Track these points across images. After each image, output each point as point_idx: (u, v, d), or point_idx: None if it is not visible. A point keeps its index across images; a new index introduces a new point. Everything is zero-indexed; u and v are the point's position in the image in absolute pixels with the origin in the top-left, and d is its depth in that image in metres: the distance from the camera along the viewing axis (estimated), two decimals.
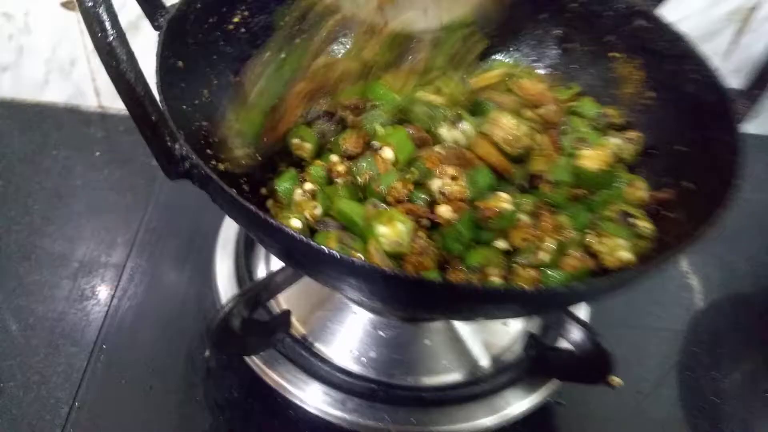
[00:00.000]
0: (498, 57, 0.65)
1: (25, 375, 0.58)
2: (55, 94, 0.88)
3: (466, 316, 0.49)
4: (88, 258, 0.69)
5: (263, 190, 0.52)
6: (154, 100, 0.35)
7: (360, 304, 0.58)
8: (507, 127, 0.53)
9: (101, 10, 0.32)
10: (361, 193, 0.50)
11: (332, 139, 0.54)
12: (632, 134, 0.56)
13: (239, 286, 0.60)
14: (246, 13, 0.55)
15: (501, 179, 0.53)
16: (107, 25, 0.32)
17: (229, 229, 0.65)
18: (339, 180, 0.51)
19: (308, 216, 0.47)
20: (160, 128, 0.36)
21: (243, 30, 0.55)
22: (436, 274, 0.45)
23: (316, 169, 0.51)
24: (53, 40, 0.82)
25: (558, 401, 0.59)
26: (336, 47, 0.59)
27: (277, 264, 0.60)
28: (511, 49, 0.64)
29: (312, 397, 0.54)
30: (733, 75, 0.49)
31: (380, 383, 0.55)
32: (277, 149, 0.54)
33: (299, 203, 0.48)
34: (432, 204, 0.49)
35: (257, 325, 0.53)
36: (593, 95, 0.60)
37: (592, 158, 0.52)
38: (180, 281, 0.67)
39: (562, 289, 0.39)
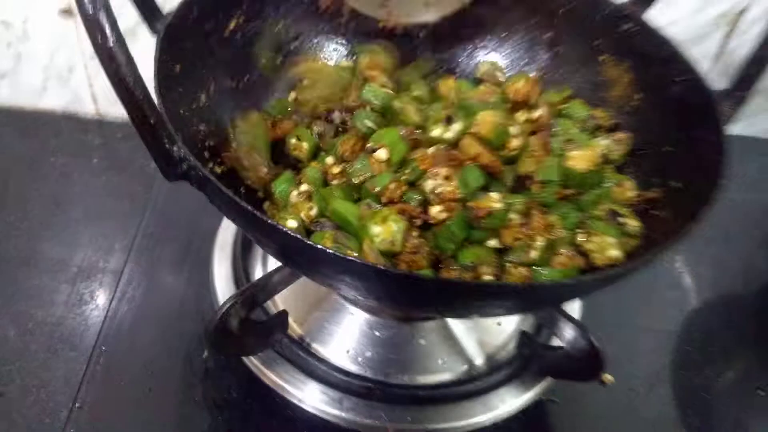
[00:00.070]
0: (489, 59, 0.66)
1: (24, 379, 0.59)
2: (53, 101, 0.89)
3: (460, 313, 0.50)
4: (86, 263, 0.70)
5: (260, 193, 0.52)
6: (153, 103, 0.36)
7: (356, 303, 0.59)
8: (495, 126, 0.54)
9: (101, 15, 0.33)
10: (356, 193, 0.51)
11: (329, 141, 0.55)
12: (620, 135, 0.57)
13: (237, 287, 0.61)
14: (242, 18, 0.56)
15: (492, 179, 0.54)
16: (107, 30, 0.33)
17: (226, 232, 0.66)
18: (334, 181, 0.52)
19: (304, 217, 0.48)
20: (158, 131, 0.37)
21: (239, 35, 0.56)
22: (430, 272, 0.46)
23: (312, 170, 0.52)
24: (51, 48, 0.83)
25: (552, 399, 0.60)
26: None
27: (273, 265, 0.61)
28: (502, 52, 0.65)
29: (310, 396, 0.55)
30: (722, 77, 0.50)
31: (377, 382, 0.56)
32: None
33: (295, 204, 0.49)
34: (425, 204, 0.50)
35: (255, 325, 0.53)
36: (583, 97, 0.61)
37: (580, 159, 0.53)
38: (178, 284, 0.67)
39: (550, 283, 0.40)
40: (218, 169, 0.50)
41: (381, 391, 0.55)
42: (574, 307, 0.64)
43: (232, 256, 0.64)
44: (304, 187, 0.51)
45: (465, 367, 0.59)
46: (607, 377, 0.61)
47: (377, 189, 0.49)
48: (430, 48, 0.66)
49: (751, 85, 0.48)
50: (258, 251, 0.65)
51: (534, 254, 0.48)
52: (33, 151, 0.84)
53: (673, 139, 0.53)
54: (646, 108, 0.57)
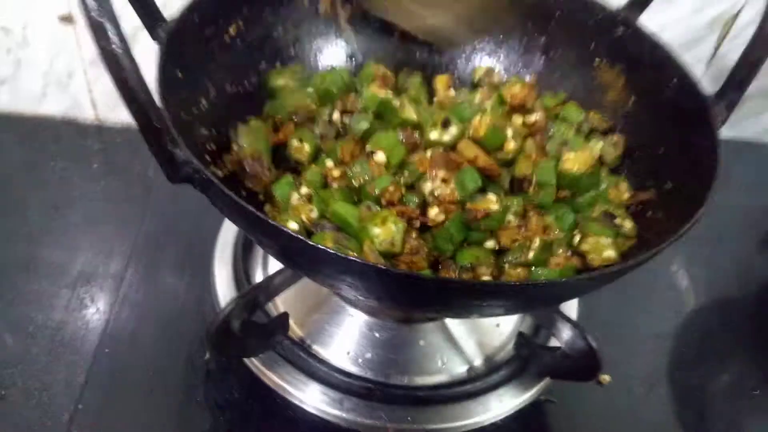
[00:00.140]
0: (485, 63, 0.67)
1: (26, 382, 0.59)
2: (53, 106, 0.89)
3: (459, 313, 0.50)
4: (86, 267, 0.70)
5: (260, 196, 0.53)
6: (157, 107, 0.37)
7: (356, 305, 0.59)
8: (492, 129, 0.55)
9: (106, 22, 0.34)
10: (356, 195, 0.52)
11: (329, 143, 0.56)
12: (615, 138, 0.58)
13: (238, 290, 0.61)
14: (241, 24, 0.57)
15: (489, 182, 0.54)
16: (112, 36, 0.34)
17: (226, 235, 0.67)
18: (334, 184, 0.52)
19: (304, 219, 0.49)
20: (162, 135, 0.37)
21: (239, 41, 0.57)
22: (429, 273, 0.47)
23: (312, 173, 0.53)
24: (51, 54, 0.83)
25: (550, 399, 0.61)
26: None
27: (274, 268, 0.62)
28: (499, 55, 0.66)
29: (311, 397, 0.55)
30: (715, 81, 0.51)
31: (377, 383, 0.56)
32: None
33: (296, 207, 0.50)
34: (423, 206, 0.51)
35: (256, 327, 0.54)
36: (577, 100, 0.62)
37: (575, 161, 0.54)
38: (179, 287, 0.68)
39: (546, 282, 0.41)
40: (219, 173, 0.51)
41: (381, 391, 0.56)
42: (571, 309, 0.64)
43: (232, 258, 0.64)
44: (304, 190, 0.51)
45: (464, 368, 0.60)
46: (605, 377, 0.62)
47: (376, 191, 0.50)
48: (428, 51, 0.66)
49: (743, 88, 0.49)
50: (258, 254, 0.66)
51: (531, 255, 0.49)
52: (33, 156, 0.84)
53: (667, 141, 0.54)
54: (640, 111, 0.58)
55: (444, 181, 0.51)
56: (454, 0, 0.64)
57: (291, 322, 0.58)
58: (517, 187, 0.55)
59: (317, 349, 0.58)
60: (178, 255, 0.71)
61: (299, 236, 0.35)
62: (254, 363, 0.56)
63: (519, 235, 0.50)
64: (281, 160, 0.56)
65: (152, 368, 0.60)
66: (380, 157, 0.52)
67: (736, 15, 0.81)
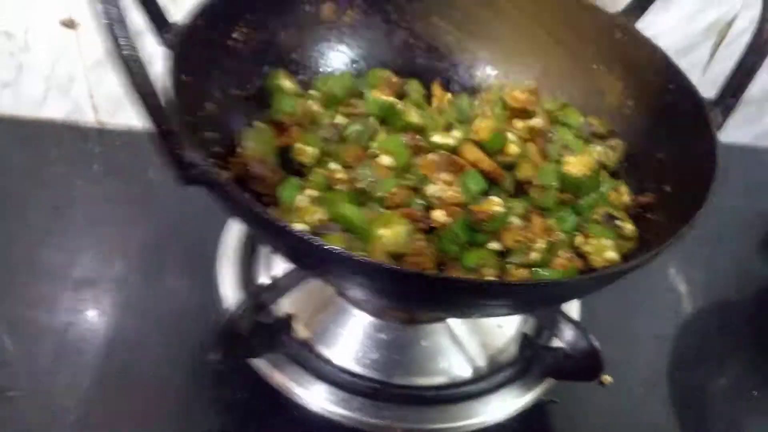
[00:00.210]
0: (488, 71, 0.68)
1: (30, 384, 0.59)
2: (54, 110, 0.89)
3: (464, 312, 0.51)
4: (89, 269, 0.70)
5: (266, 198, 0.54)
6: (168, 111, 0.38)
7: (361, 306, 0.60)
8: (493, 132, 0.56)
9: (118, 27, 0.34)
10: (361, 198, 0.52)
11: (333, 146, 0.57)
12: (614, 142, 0.59)
13: (242, 291, 0.61)
14: (246, 29, 0.58)
15: (492, 184, 0.55)
16: (123, 41, 0.34)
17: (230, 237, 0.67)
18: (339, 186, 0.53)
19: (310, 220, 0.49)
20: (172, 138, 0.38)
21: (243, 46, 0.58)
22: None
23: (318, 176, 0.54)
24: (52, 58, 0.84)
25: (552, 399, 0.61)
26: None
27: (278, 269, 0.62)
28: (499, 60, 0.67)
29: (316, 396, 0.56)
30: (712, 86, 0.52)
31: (382, 383, 0.57)
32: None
33: (302, 209, 0.50)
34: (428, 208, 0.52)
35: (263, 327, 0.54)
36: (576, 105, 0.63)
37: (576, 164, 0.55)
38: (182, 289, 0.68)
39: (550, 281, 0.42)
40: (225, 175, 0.51)
41: (386, 391, 0.57)
42: (572, 311, 0.65)
43: (236, 260, 0.65)
44: (310, 192, 0.52)
45: (468, 368, 0.60)
46: (606, 378, 0.63)
47: (382, 193, 0.51)
48: (430, 57, 0.67)
49: (739, 93, 0.50)
50: (262, 255, 0.66)
51: (534, 256, 0.50)
52: (34, 159, 0.85)
53: (666, 145, 0.55)
54: (639, 115, 0.59)
55: (448, 183, 0.52)
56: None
57: (296, 323, 0.58)
58: (519, 189, 0.56)
59: (323, 349, 0.59)
60: (181, 257, 0.71)
61: (312, 238, 0.36)
62: (261, 363, 0.57)
63: (522, 237, 0.51)
64: (285, 162, 0.57)
65: (157, 369, 0.61)
66: (385, 160, 0.53)
67: (731, 22, 0.82)
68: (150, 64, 0.37)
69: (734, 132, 0.95)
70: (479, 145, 0.57)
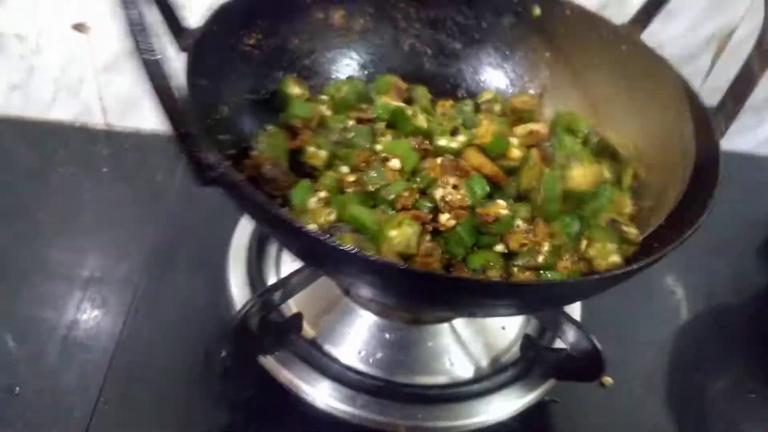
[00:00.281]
0: (494, 78, 0.69)
1: (38, 382, 0.60)
2: (63, 112, 0.90)
3: (471, 312, 0.52)
4: (98, 270, 0.71)
5: (278, 200, 0.55)
6: (190, 113, 0.39)
7: (367, 306, 0.61)
8: (495, 137, 0.58)
9: (145, 32, 0.36)
10: (371, 200, 0.54)
11: (344, 150, 0.58)
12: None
13: (252, 291, 0.63)
14: (259, 36, 0.59)
15: (496, 189, 0.57)
16: (151, 47, 0.36)
17: (240, 238, 0.68)
18: (349, 189, 0.54)
19: (322, 221, 0.51)
20: (193, 140, 0.39)
21: (257, 51, 0.59)
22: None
23: (329, 178, 0.55)
24: (63, 61, 0.85)
25: (554, 399, 0.63)
26: None
27: (287, 270, 0.64)
28: (506, 69, 0.69)
29: (323, 394, 0.57)
30: (712, 94, 0.53)
31: (387, 382, 0.58)
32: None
33: (314, 210, 0.52)
34: (435, 211, 0.53)
35: (272, 326, 0.56)
36: (582, 113, 0.65)
37: (581, 178, 0.56)
38: (190, 290, 0.69)
39: (555, 282, 0.43)
40: (239, 177, 0.53)
41: (391, 390, 0.58)
42: (574, 315, 0.66)
43: (246, 261, 0.66)
44: (321, 194, 0.53)
45: (471, 368, 0.61)
46: (607, 379, 0.64)
47: (392, 196, 0.52)
48: (437, 64, 0.69)
49: (741, 101, 0.51)
50: (271, 256, 0.68)
51: (539, 259, 0.51)
52: (43, 161, 0.86)
53: (672, 151, 0.56)
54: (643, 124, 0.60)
55: (455, 187, 0.54)
56: None
57: (304, 322, 0.60)
58: (523, 193, 0.57)
59: (329, 348, 0.60)
60: (189, 258, 0.72)
61: (328, 239, 0.37)
62: (269, 361, 0.58)
63: (527, 240, 0.52)
64: (296, 165, 0.58)
65: (165, 367, 0.62)
66: (395, 163, 0.55)
67: (731, 33, 0.84)
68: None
69: (734, 139, 0.96)
70: (482, 149, 0.58)
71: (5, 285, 0.68)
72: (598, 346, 0.55)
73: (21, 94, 0.89)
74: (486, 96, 0.67)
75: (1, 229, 0.75)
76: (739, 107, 0.51)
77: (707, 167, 0.49)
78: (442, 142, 0.59)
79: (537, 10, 0.65)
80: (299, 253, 0.45)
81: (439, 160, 0.56)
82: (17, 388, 0.59)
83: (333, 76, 0.67)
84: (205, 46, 0.50)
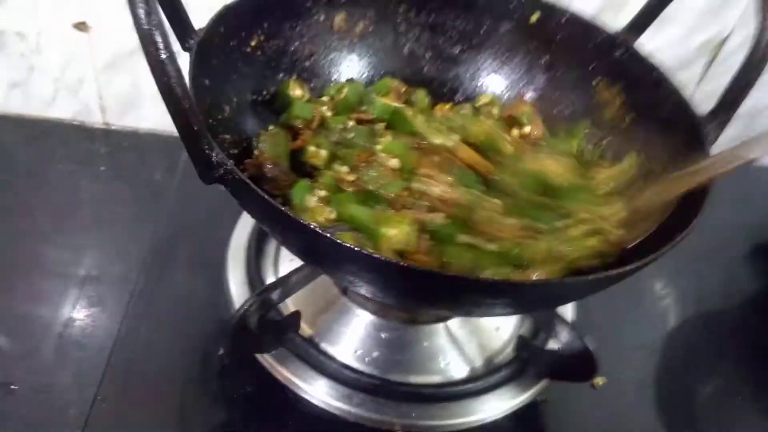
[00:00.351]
0: (491, 82, 0.70)
1: (36, 378, 0.60)
2: (62, 110, 0.91)
3: (467, 311, 0.53)
4: (95, 268, 0.72)
5: (279, 198, 0.56)
6: (197, 112, 0.39)
7: (364, 306, 0.62)
8: (488, 134, 0.60)
9: (155, 31, 0.36)
10: (370, 199, 0.54)
11: (342, 150, 0.59)
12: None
13: (251, 290, 0.63)
14: (262, 37, 0.60)
15: (487, 185, 0.57)
16: (161, 45, 0.36)
17: (239, 237, 0.69)
18: (348, 188, 0.55)
19: (322, 220, 0.52)
20: (200, 138, 0.40)
21: (259, 53, 0.60)
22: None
23: (328, 177, 0.56)
24: (63, 59, 0.85)
25: (546, 400, 0.63)
26: None
27: (285, 269, 0.64)
28: (503, 73, 0.70)
29: (320, 392, 0.57)
30: (705, 102, 0.54)
31: (383, 380, 0.59)
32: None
33: (313, 209, 0.53)
34: (431, 209, 0.54)
35: (270, 324, 0.56)
36: (577, 117, 0.66)
37: (553, 170, 0.56)
38: (188, 288, 0.69)
39: (550, 282, 0.44)
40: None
41: (387, 388, 0.58)
42: (568, 316, 0.67)
43: (245, 260, 0.67)
44: (321, 193, 0.54)
45: (466, 368, 0.62)
46: (599, 380, 0.65)
47: (390, 195, 0.53)
48: (436, 68, 0.70)
49: (734, 108, 0.52)
50: (270, 255, 0.68)
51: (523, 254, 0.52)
52: (41, 159, 0.86)
53: (663, 158, 0.57)
54: (636, 129, 0.62)
55: (449, 185, 0.55)
56: None
57: (302, 320, 0.60)
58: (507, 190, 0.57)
59: (326, 346, 0.61)
60: (187, 257, 0.73)
61: (332, 237, 0.38)
62: (266, 359, 0.58)
63: (511, 235, 0.52)
64: (297, 165, 0.59)
65: (162, 364, 0.62)
66: (394, 162, 0.56)
67: (724, 41, 0.85)
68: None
69: (726, 147, 0.97)
70: (474, 146, 0.59)
71: (1, 282, 0.69)
72: (591, 347, 0.56)
73: (20, 93, 0.89)
74: (483, 100, 0.68)
75: None
76: (730, 114, 0.52)
77: None
78: (436, 139, 0.59)
79: (535, 17, 0.66)
80: (300, 251, 0.46)
81: (433, 157, 0.57)
82: (13, 386, 0.59)
83: (333, 78, 0.68)
84: (208, 46, 0.51)
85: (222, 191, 0.44)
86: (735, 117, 0.54)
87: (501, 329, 0.66)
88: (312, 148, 0.58)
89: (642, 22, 0.62)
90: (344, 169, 0.57)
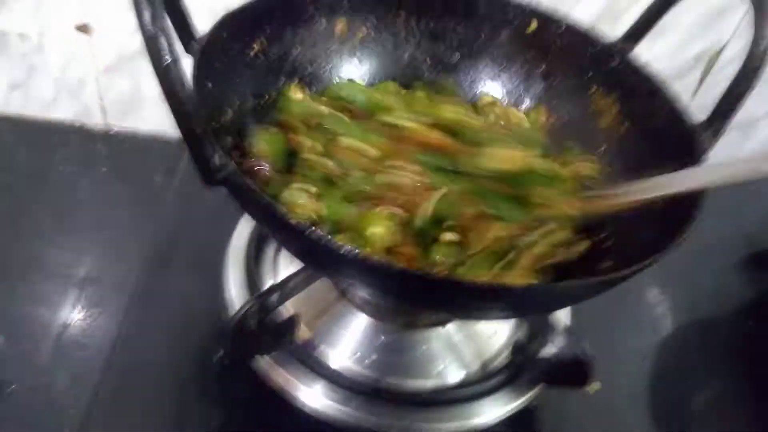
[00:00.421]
0: (490, 89, 0.71)
1: (34, 379, 0.61)
2: (63, 112, 0.91)
3: (466, 314, 0.54)
4: (95, 269, 0.72)
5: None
6: (199, 116, 0.40)
7: (362, 309, 0.62)
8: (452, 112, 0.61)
9: (160, 36, 0.37)
10: (350, 195, 0.55)
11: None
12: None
13: (250, 292, 0.64)
14: (264, 42, 0.60)
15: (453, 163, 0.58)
16: (165, 49, 0.37)
17: (238, 240, 0.69)
18: (338, 182, 0.56)
19: (313, 216, 0.53)
20: (203, 141, 0.41)
21: (261, 58, 0.61)
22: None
23: (316, 172, 0.57)
24: (64, 61, 0.86)
25: (542, 405, 0.64)
26: None
27: (284, 272, 0.65)
28: (501, 81, 0.71)
29: (318, 395, 0.58)
30: (701, 111, 0.55)
31: (381, 384, 0.59)
32: None
33: (303, 205, 0.53)
34: (403, 201, 0.54)
35: (269, 327, 0.57)
36: (574, 126, 0.66)
37: (504, 158, 0.57)
38: (187, 291, 0.70)
39: (543, 287, 0.44)
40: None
41: (385, 392, 0.59)
42: (563, 323, 0.68)
43: (244, 262, 0.67)
44: (312, 189, 0.55)
45: (463, 372, 0.62)
46: (594, 386, 0.66)
47: (364, 190, 0.54)
48: (435, 74, 0.71)
49: (728, 118, 0.53)
50: (270, 257, 0.69)
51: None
52: (42, 160, 0.87)
53: (657, 165, 0.58)
54: (631, 136, 0.62)
55: (416, 172, 0.55)
56: None
57: (300, 323, 0.61)
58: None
59: (325, 349, 0.61)
60: (187, 259, 0.73)
61: (328, 240, 0.38)
62: (265, 362, 0.59)
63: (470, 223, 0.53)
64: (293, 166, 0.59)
65: (160, 367, 0.63)
66: (364, 148, 0.57)
67: (720, 51, 0.86)
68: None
69: (720, 156, 0.98)
70: (439, 126, 0.60)
71: (0, 282, 0.69)
72: (587, 352, 0.57)
73: (21, 94, 0.90)
74: (486, 100, 0.69)
75: None
76: (725, 124, 0.53)
77: None
78: (401, 121, 0.60)
79: (533, 26, 0.67)
80: (300, 254, 0.47)
81: (398, 141, 0.58)
82: (11, 386, 0.59)
83: (334, 82, 0.68)
84: (211, 51, 0.51)
85: (222, 194, 0.45)
86: (731, 127, 0.54)
87: (497, 334, 0.67)
88: (308, 143, 0.58)
89: (638, 32, 0.63)
90: (324, 159, 0.57)
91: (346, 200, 0.55)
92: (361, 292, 0.46)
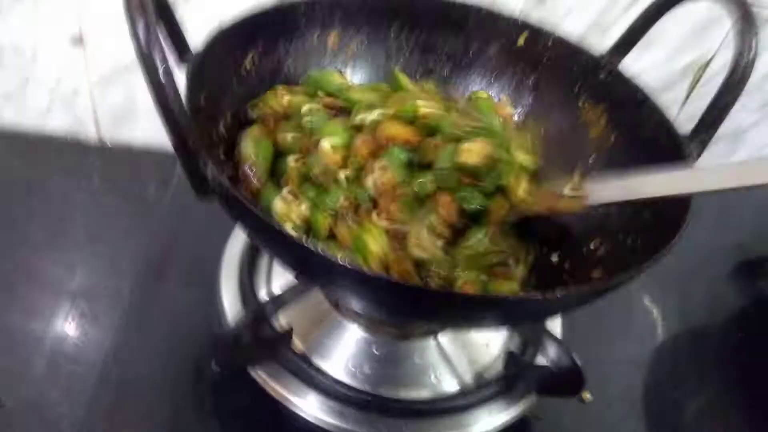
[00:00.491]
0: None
1: (26, 392, 0.60)
2: (57, 124, 0.92)
3: (457, 323, 0.54)
4: (88, 282, 0.72)
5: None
6: (192, 129, 0.40)
7: (356, 321, 0.63)
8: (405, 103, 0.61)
9: (155, 52, 0.37)
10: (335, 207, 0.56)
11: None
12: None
13: (244, 304, 0.64)
14: (256, 57, 0.61)
15: (416, 156, 0.58)
16: (158, 64, 0.37)
17: (231, 252, 0.69)
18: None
19: (294, 218, 0.53)
20: (196, 156, 0.41)
21: (253, 73, 0.61)
22: (418, 279, 0.51)
23: (293, 170, 0.57)
24: (58, 73, 0.86)
25: (536, 416, 0.64)
26: None
27: (278, 283, 0.65)
28: (491, 91, 0.71)
29: (312, 407, 0.58)
30: (689, 122, 0.56)
31: (374, 395, 0.59)
32: None
33: (287, 207, 0.54)
34: (374, 202, 0.55)
35: (263, 339, 0.57)
36: (563, 136, 0.67)
37: (471, 152, 0.56)
38: (181, 303, 0.70)
39: (533, 297, 0.44)
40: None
41: (378, 403, 0.59)
42: (555, 332, 0.68)
43: (238, 274, 0.67)
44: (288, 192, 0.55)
45: (456, 383, 0.63)
46: (587, 395, 0.66)
47: (337, 204, 0.55)
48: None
49: (714, 128, 0.53)
50: (263, 269, 0.69)
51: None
52: (35, 172, 0.87)
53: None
54: (620, 147, 0.63)
55: (382, 169, 0.56)
56: None
57: (294, 335, 0.61)
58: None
59: (318, 362, 0.61)
60: (181, 271, 0.73)
61: (321, 252, 0.39)
62: (259, 374, 0.59)
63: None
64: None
65: (155, 379, 0.62)
66: (326, 144, 0.57)
67: (707, 63, 0.87)
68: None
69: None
70: (398, 118, 0.60)
71: None
72: (579, 362, 0.57)
73: (15, 105, 0.90)
74: (482, 95, 0.70)
75: None
76: (711, 134, 0.54)
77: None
78: (360, 117, 0.60)
79: (522, 39, 0.68)
80: (292, 266, 0.47)
81: (363, 136, 0.58)
82: (3, 400, 0.59)
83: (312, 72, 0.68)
84: (204, 65, 0.52)
85: (215, 206, 0.45)
86: (718, 138, 0.55)
87: (490, 345, 0.67)
88: (289, 137, 0.59)
89: (626, 44, 0.64)
90: (293, 156, 0.58)
91: (333, 209, 0.55)
92: (353, 303, 0.46)
